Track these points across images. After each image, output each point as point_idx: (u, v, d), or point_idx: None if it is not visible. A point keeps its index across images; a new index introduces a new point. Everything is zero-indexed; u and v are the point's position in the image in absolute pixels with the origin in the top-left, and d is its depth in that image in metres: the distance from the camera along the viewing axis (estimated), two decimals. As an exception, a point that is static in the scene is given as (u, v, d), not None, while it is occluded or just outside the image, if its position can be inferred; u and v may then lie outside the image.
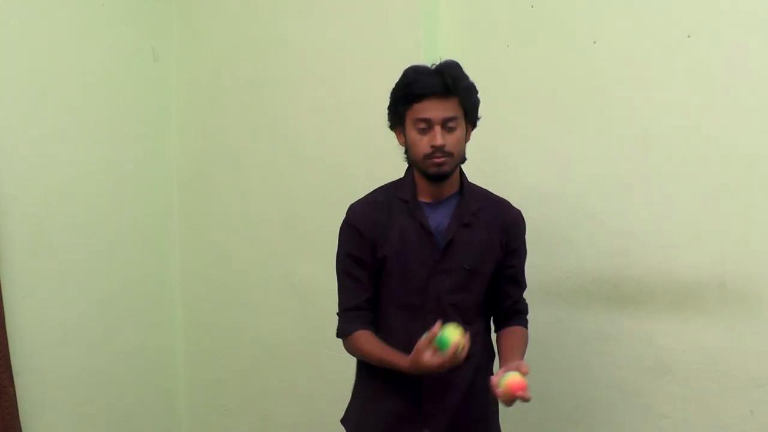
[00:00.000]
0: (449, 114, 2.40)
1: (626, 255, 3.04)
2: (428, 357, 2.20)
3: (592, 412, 3.13)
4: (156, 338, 3.83)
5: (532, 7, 3.15)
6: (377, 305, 2.53)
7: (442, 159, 2.39)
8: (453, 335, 2.21)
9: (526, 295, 2.90)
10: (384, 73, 2.60)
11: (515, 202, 2.86)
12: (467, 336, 2.23)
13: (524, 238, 2.64)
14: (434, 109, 2.39)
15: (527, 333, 2.64)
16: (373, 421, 2.55)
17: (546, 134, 3.17)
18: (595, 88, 3.07)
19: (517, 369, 2.28)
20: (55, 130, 3.30)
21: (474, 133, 3.11)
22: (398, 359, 2.33)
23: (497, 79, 3.21)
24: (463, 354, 2.22)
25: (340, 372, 2.58)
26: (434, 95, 2.39)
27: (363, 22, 3.35)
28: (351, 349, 2.52)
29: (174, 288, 3.89)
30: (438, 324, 2.22)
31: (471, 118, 2.50)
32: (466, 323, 2.44)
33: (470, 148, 3.11)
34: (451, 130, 2.40)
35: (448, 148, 2.39)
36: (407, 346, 2.34)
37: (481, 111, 3.12)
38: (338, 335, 2.54)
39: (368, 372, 2.56)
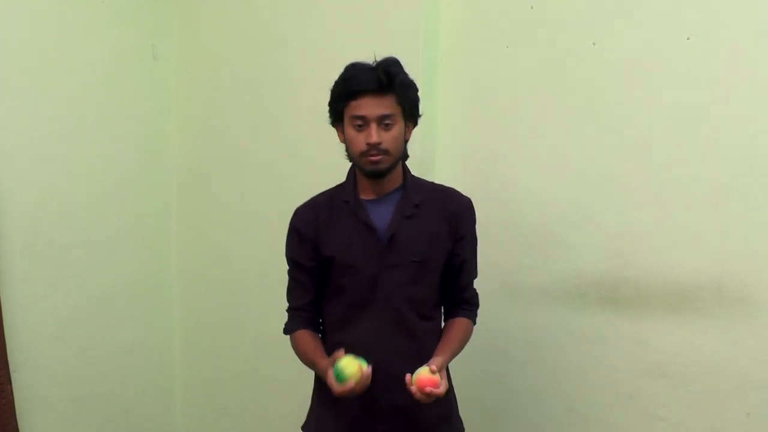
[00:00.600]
0: (384, 111, 2.40)
1: (623, 257, 3.04)
2: (331, 381, 2.26)
3: (587, 414, 3.13)
4: (153, 336, 3.84)
5: (531, 8, 3.15)
6: (329, 303, 2.57)
7: (379, 157, 2.40)
8: (349, 369, 2.24)
9: (521, 298, 2.91)
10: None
11: (513, 204, 2.88)
12: (367, 371, 2.26)
13: (473, 226, 2.61)
14: (369, 107, 2.40)
15: (470, 325, 2.61)
16: (328, 425, 2.56)
17: (544, 135, 3.17)
18: (594, 89, 3.07)
19: (428, 365, 2.29)
20: (54, 128, 3.31)
21: (471, 134, 3.16)
22: (321, 365, 2.39)
23: (496, 80, 3.23)
24: (365, 383, 2.26)
25: None
26: (369, 92, 2.40)
27: (363, 23, 3.36)
28: (292, 346, 2.58)
29: (172, 286, 3.90)
30: (340, 352, 2.27)
31: (410, 116, 2.50)
32: (423, 318, 2.49)
33: (469, 150, 3.16)
34: (387, 127, 2.40)
35: (384, 146, 2.39)
36: (360, 344, 2.39)
37: (478, 113, 3.17)
38: (284, 332, 2.61)
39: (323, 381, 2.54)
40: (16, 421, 3.06)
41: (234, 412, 3.88)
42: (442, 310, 2.64)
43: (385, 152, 2.41)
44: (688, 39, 2.89)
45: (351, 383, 2.23)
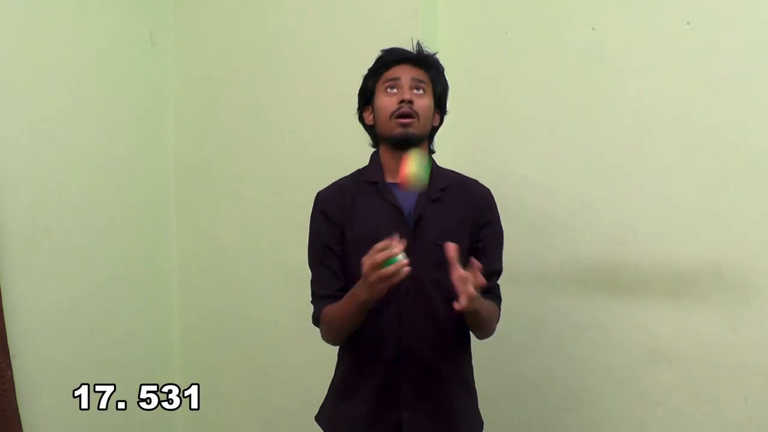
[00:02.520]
0: (419, 76, 2.42)
1: (622, 244, 3.06)
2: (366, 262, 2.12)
3: (586, 398, 3.15)
4: (152, 323, 3.85)
5: None
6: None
7: (409, 119, 2.37)
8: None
9: (523, 285, 2.92)
10: (381, 62, 2.62)
11: (512, 192, 2.91)
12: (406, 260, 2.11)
13: (497, 215, 2.55)
14: (404, 71, 2.41)
15: (497, 308, 2.52)
16: (348, 412, 2.50)
17: (543, 122, 3.18)
18: (593, 75, 3.08)
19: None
20: (52, 115, 3.31)
21: (471, 122, 3.17)
22: (353, 293, 2.25)
23: (495, 66, 3.25)
24: (403, 272, 2.10)
25: (334, 357, 2.60)
26: (406, 61, 2.43)
27: (361, 10, 3.37)
28: (324, 330, 2.45)
29: (170, 273, 3.91)
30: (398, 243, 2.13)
31: (440, 103, 2.50)
32: (449, 304, 2.35)
33: (467, 136, 3.18)
34: (420, 93, 2.40)
35: (416, 106, 2.37)
36: (385, 329, 2.37)
37: (478, 100, 3.19)
38: (313, 323, 2.49)
39: (349, 364, 2.52)
40: (16, 406, 3.07)
41: (230, 396, 3.88)
42: None
43: (416, 115, 2.38)
44: (688, 24, 2.90)
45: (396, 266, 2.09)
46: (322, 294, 2.45)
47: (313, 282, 2.50)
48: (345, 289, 2.38)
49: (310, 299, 2.51)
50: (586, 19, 3.07)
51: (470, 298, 2.11)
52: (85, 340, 3.48)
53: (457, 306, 2.13)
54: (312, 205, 2.54)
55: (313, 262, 2.50)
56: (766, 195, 2.83)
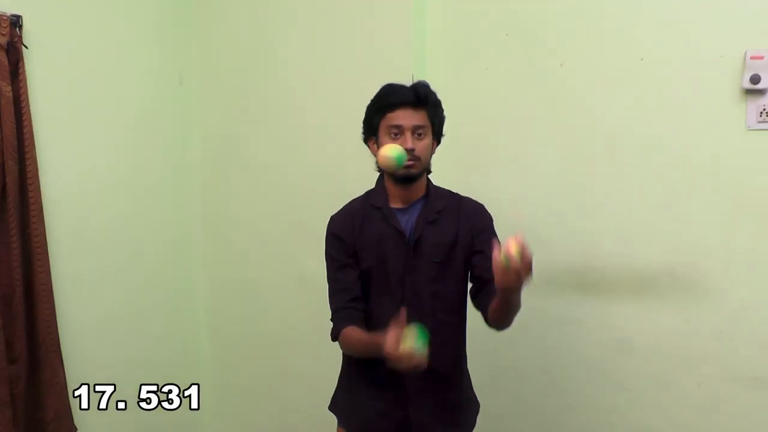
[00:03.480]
0: (419, 122, 2.38)
1: (591, 250, 3.10)
2: (393, 343, 2.07)
3: (563, 385, 3.20)
4: (182, 326, 3.82)
5: (506, 35, 3.19)
6: (367, 302, 2.45)
7: (411, 162, 2.35)
8: (411, 342, 2.07)
9: None
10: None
11: (494, 206, 2.84)
12: (422, 357, 2.08)
13: (491, 223, 2.50)
14: (406, 117, 2.37)
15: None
16: (359, 407, 2.52)
17: (520, 145, 3.20)
18: (562, 104, 3.12)
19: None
20: (93, 146, 3.30)
21: (457, 145, 3.12)
22: (377, 339, 2.17)
23: (477, 98, 3.26)
24: (417, 362, 2.07)
25: (340, 352, 2.59)
26: (406, 105, 2.38)
27: (361, 48, 3.36)
28: (344, 346, 2.45)
29: (198, 282, 3.91)
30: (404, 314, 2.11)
31: (437, 132, 2.48)
32: (448, 313, 2.43)
33: (454, 157, 3.16)
34: (420, 136, 2.38)
35: (417, 153, 2.36)
36: None
37: (462, 127, 3.16)
38: (332, 338, 2.46)
39: (356, 370, 2.53)
40: (68, 402, 3.08)
41: (252, 391, 3.85)
42: (482, 305, 2.42)
43: (417, 159, 2.37)
44: (641, 60, 2.97)
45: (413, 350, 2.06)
46: (336, 307, 2.44)
47: (330, 297, 2.48)
48: (358, 300, 2.41)
49: (331, 316, 2.47)
50: (556, 56, 3.11)
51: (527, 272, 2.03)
52: (123, 341, 3.45)
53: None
54: (320, 226, 2.54)
55: (329, 279, 2.49)
56: (713, 206, 2.90)
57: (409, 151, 2.35)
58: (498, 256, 1.99)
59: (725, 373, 2.94)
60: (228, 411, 3.96)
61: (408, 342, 2.08)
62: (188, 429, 3.77)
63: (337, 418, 2.62)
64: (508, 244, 1.99)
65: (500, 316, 2.34)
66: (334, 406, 2.64)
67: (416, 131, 2.38)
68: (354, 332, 2.38)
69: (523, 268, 2.01)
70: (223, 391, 3.97)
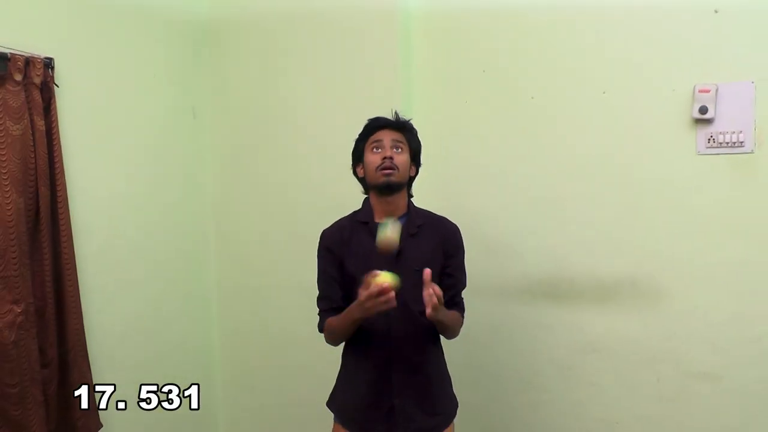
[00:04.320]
0: (398, 138, 2.48)
1: (560, 261, 3.13)
2: (362, 291, 2.22)
3: (536, 383, 3.22)
4: (197, 332, 3.82)
5: (483, 71, 3.23)
6: (353, 302, 2.45)
7: (391, 170, 2.42)
8: (385, 278, 2.21)
9: (483, 295, 2.97)
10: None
11: (474, 222, 2.91)
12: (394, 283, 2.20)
13: (462, 246, 2.59)
14: (386, 135, 2.48)
15: (460, 317, 2.57)
16: (352, 400, 2.56)
17: (496, 169, 3.23)
18: (534, 133, 3.16)
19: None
20: (116, 171, 3.31)
21: (440, 171, 3.20)
22: (350, 308, 2.35)
23: (458, 128, 3.30)
24: (387, 296, 2.19)
25: (338, 356, 2.65)
26: (387, 126, 2.50)
27: (356, 84, 3.39)
28: (326, 335, 2.53)
29: (211, 291, 3.91)
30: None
31: (414, 156, 2.55)
32: (425, 316, 2.46)
33: (439, 181, 3.21)
34: (398, 150, 2.47)
35: (395, 161, 2.43)
36: (378, 335, 2.43)
37: (446, 152, 3.21)
38: (318, 330, 2.57)
39: (352, 362, 2.57)
40: (95, 401, 3.09)
41: (260, 388, 3.84)
42: None
43: (396, 168, 2.43)
44: (603, 93, 3.02)
45: (382, 284, 2.19)
46: (323, 308, 2.55)
47: (317, 298, 2.58)
48: (339, 309, 2.48)
49: (317, 312, 2.58)
50: (527, 90, 3.15)
51: (434, 309, 2.23)
52: (144, 347, 3.45)
53: (427, 314, 2.24)
54: (318, 240, 2.60)
55: (318, 283, 2.58)
56: (668, 221, 2.94)
57: (388, 158, 2.43)
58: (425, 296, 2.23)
59: (680, 369, 2.97)
60: (237, 405, 3.95)
61: (378, 279, 2.19)
62: (189, 428, 3.75)
63: (333, 413, 2.64)
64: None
65: (438, 329, 2.51)
66: (331, 402, 2.66)
67: (395, 145, 2.48)
68: (333, 318, 2.48)
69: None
70: (233, 389, 3.96)
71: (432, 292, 2.23)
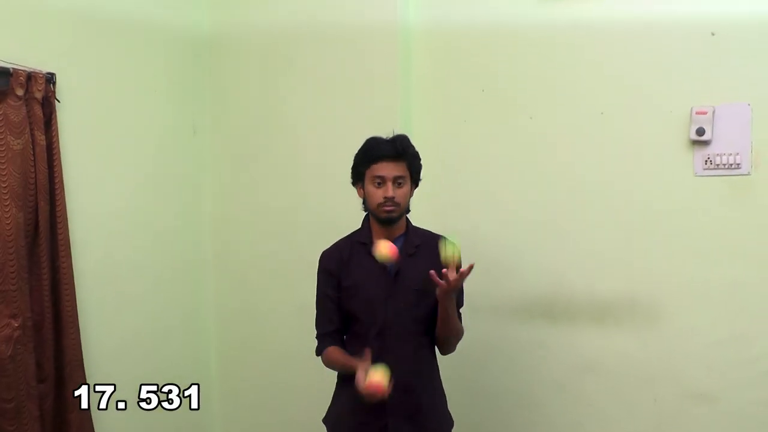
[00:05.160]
0: (399, 173, 2.47)
1: (558, 281, 3.12)
2: (360, 380, 2.28)
3: (532, 402, 3.19)
4: (194, 350, 3.78)
5: (482, 91, 3.23)
6: (350, 325, 2.54)
7: (392, 207, 2.45)
8: (377, 376, 2.27)
9: (480, 314, 2.95)
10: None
11: (472, 241, 2.87)
12: (388, 388, 2.26)
13: (460, 265, 2.47)
14: (387, 169, 2.45)
15: (461, 328, 2.58)
16: (346, 418, 2.55)
17: (495, 189, 3.23)
18: (532, 152, 3.16)
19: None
20: (116, 187, 3.29)
21: (439, 189, 3.19)
22: (353, 363, 2.39)
23: (457, 147, 3.30)
24: (383, 393, 2.26)
25: (333, 374, 2.64)
26: (387, 158, 2.47)
27: (356, 104, 3.39)
28: (324, 362, 2.57)
29: (209, 308, 3.87)
30: (368, 354, 2.34)
31: (415, 179, 2.56)
32: (424, 334, 2.49)
33: (436, 199, 3.20)
34: (399, 185, 2.47)
35: (397, 200, 2.45)
36: (374, 355, 2.38)
37: (444, 170, 3.21)
38: (316, 353, 2.59)
39: (346, 382, 2.52)
40: (90, 416, 3.05)
41: (257, 406, 3.79)
42: (433, 333, 2.56)
43: (398, 204, 2.45)
44: (601, 113, 3.03)
45: (376, 384, 2.25)
46: (321, 332, 2.57)
47: (316, 320, 2.59)
48: (338, 331, 2.55)
49: (315, 334, 2.59)
50: (526, 110, 3.15)
51: (455, 283, 2.31)
52: (142, 363, 3.42)
53: (444, 276, 2.31)
54: (317, 261, 2.60)
55: (317, 305, 2.59)
56: (665, 242, 2.94)
57: (390, 199, 2.45)
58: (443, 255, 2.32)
59: (677, 390, 2.96)
60: (234, 423, 3.91)
61: (374, 377, 2.26)
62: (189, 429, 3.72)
63: (328, 430, 2.64)
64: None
65: (441, 334, 2.52)
66: (326, 419, 2.66)
67: (396, 180, 2.47)
68: (335, 352, 2.52)
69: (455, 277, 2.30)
70: (232, 405, 3.93)
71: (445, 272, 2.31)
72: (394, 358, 2.42)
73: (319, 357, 2.59)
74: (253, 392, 3.83)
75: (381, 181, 2.47)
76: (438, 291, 2.37)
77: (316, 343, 2.61)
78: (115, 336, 3.31)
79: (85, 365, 3.05)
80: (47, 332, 2.90)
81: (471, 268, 2.31)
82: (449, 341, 2.58)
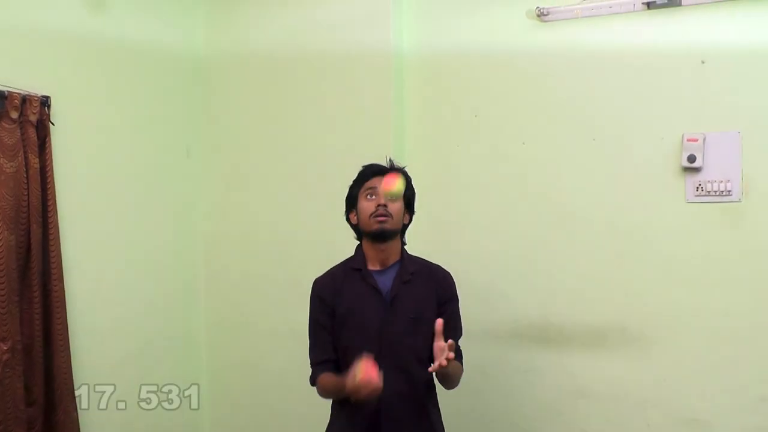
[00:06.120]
0: None
1: (550, 306, 3.12)
2: (350, 381, 2.21)
3: (525, 428, 3.17)
4: (185, 374, 3.69)
5: (475, 116, 3.24)
6: (343, 354, 2.43)
7: (384, 217, 2.38)
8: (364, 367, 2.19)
9: (474, 339, 2.94)
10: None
11: (464, 267, 2.87)
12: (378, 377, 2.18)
13: (455, 293, 2.54)
14: (380, 182, 2.41)
15: (461, 366, 2.52)
16: None
17: (487, 213, 3.23)
18: (524, 178, 3.17)
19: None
20: (109, 209, 3.27)
21: (432, 215, 3.15)
22: (341, 380, 2.29)
23: (449, 171, 3.30)
24: (372, 388, 2.18)
25: (328, 402, 2.58)
26: (381, 173, 2.45)
27: (350, 130, 3.38)
28: (319, 391, 2.48)
29: (200, 332, 3.79)
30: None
31: (408, 203, 2.51)
32: (421, 364, 2.39)
33: (430, 226, 3.15)
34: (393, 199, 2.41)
35: (389, 209, 2.38)
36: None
37: (437, 196, 3.21)
38: (310, 383, 2.50)
39: (342, 415, 2.48)
40: (77, 412, 2.99)
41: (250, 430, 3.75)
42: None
43: (390, 215, 2.38)
44: (593, 140, 3.04)
45: (366, 375, 2.17)
46: (315, 361, 2.48)
47: (309, 349, 2.51)
48: (331, 359, 2.45)
49: (309, 363, 2.51)
50: (519, 136, 3.17)
51: (446, 362, 2.21)
52: (135, 385, 3.32)
53: (430, 369, 2.24)
54: (310, 284, 2.54)
55: (310, 334, 2.52)
56: (657, 268, 2.94)
57: (382, 206, 2.39)
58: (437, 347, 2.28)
59: (670, 415, 2.95)
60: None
61: (362, 369, 2.18)
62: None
63: None
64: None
65: (441, 380, 2.46)
66: None
67: None
68: (326, 377, 2.43)
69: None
70: (222, 431, 3.87)
71: (444, 346, 2.23)
72: (390, 390, 2.33)
73: (314, 387, 2.51)
74: (245, 418, 3.79)
75: (373, 193, 2.43)
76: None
77: (310, 370, 2.54)
78: (106, 360, 3.27)
79: (75, 389, 3.01)
80: (37, 356, 2.86)
81: (441, 325, 2.30)
82: (450, 384, 2.50)
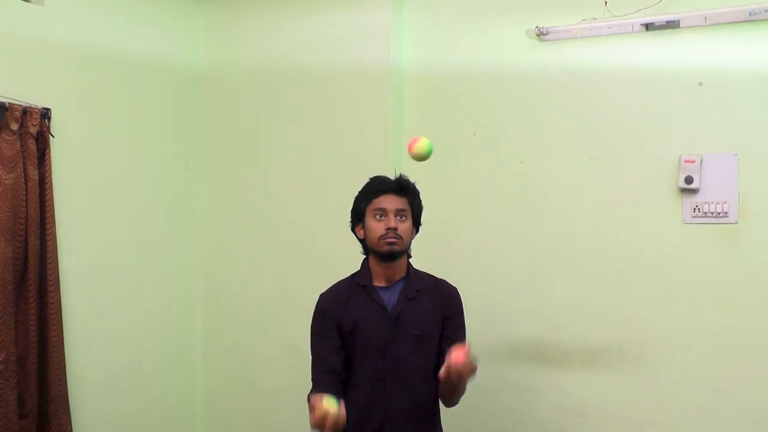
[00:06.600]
0: (401, 206, 2.39)
1: (547, 325, 3.11)
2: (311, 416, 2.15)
3: None
4: (180, 387, 3.72)
5: (474, 134, 3.25)
6: (349, 368, 2.40)
7: (394, 239, 2.35)
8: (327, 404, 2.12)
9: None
10: (361, 184, 2.53)
11: (462, 283, 2.82)
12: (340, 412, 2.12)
13: (461, 308, 2.49)
14: (389, 202, 2.39)
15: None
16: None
17: (485, 231, 3.23)
18: (523, 196, 3.17)
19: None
20: (107, 222, 3.27)
21: (430, 230, 2.99)
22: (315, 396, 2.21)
23: (448, 189, 3.30)
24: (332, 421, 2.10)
25: None
26: (390, 191, 2.40)
27: (348, 144, 3.39)
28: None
29: (196, 346, 3.82)
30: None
31: (416, 219, 2.47)
32: (425, 382, 2.37)
33: (429, 240, 3.01)
34: (402, 219, 2.39)
35: (399, 231, 2.36)
36: (373, 402, 2.34)
37: (436, 213, 3.09)
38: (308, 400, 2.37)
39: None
40: None
41: None
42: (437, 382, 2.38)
43: (400, 237, 2.35)
44: (591, 159, 3.04)
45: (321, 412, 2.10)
46: (314, 376, 2.40)
47: (312, 363, 2.44)
48: (335, 372, 2.36)
49: (311, 377, 2.43)
50: (517, 154, 3.17)
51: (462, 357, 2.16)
52: (128, 400, 3.37)
53: (440, 373, 2.20)
54: (308, 299, 2.50)
55: (312, 348, 2.46)
56: (654, 288, 2.94)
57: (392, 230, 2.36)
58: (450, 360, 2.16)
59: (667, 435, 2.93)
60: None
61: (323, 407, 2.10)
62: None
63: None
64: (456, 357, 2.16)
65: (444, 395, 2.41)
66: None
67: (399, 213, 2.39)
68: (313, 396, 2.27)
69: (466, 372, 2.19)
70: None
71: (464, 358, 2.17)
72: (393, 407, 2.34)
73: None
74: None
75: (382, 213, 2.39)
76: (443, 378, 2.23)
77: (307, 385, 2.46)
78: (100, 372, 3.26)
79: (69, 401, 3.00)
80: (31, 367, 2.84)
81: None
82: (452, 401, 2.45)
